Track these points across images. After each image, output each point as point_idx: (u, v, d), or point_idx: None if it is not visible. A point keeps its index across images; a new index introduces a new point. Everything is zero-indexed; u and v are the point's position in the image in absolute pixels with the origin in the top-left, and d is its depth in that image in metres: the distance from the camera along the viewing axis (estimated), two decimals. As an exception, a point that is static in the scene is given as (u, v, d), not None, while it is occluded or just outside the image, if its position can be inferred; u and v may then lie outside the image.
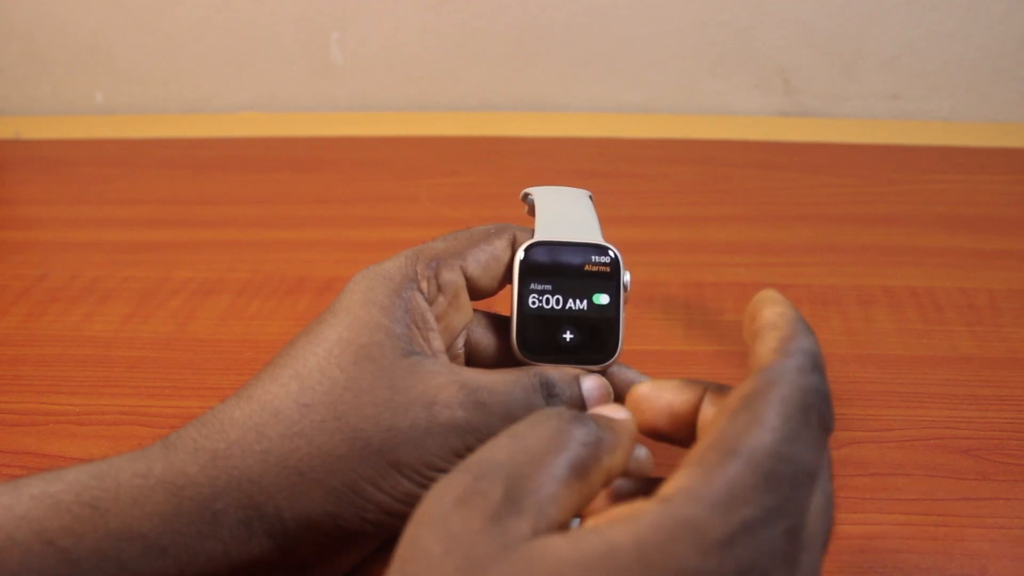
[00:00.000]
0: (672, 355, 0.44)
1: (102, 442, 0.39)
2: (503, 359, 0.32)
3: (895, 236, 0.55)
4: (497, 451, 0.21)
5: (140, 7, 0.77)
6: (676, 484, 0.19)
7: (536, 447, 0.21)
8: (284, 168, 0.68)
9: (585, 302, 0.31)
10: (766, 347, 0.22)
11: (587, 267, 0.32)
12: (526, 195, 0.35)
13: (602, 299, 0.31)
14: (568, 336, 0.31)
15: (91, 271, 0.53)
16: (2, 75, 0.81)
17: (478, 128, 0.74)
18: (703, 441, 0.20)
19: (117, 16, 0.78)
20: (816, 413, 0.20)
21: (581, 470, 0.21)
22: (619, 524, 0.18)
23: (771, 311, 0.23)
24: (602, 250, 0.32)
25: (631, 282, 0.32)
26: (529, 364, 0.31)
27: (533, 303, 0.31)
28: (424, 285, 0.30)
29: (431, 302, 0.30)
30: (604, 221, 0.34)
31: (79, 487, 0.25)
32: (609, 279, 0.32)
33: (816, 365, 0.21)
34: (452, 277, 0.30)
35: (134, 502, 0.25)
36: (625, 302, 0.32)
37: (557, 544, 0.18)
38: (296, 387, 0.27)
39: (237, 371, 0.44)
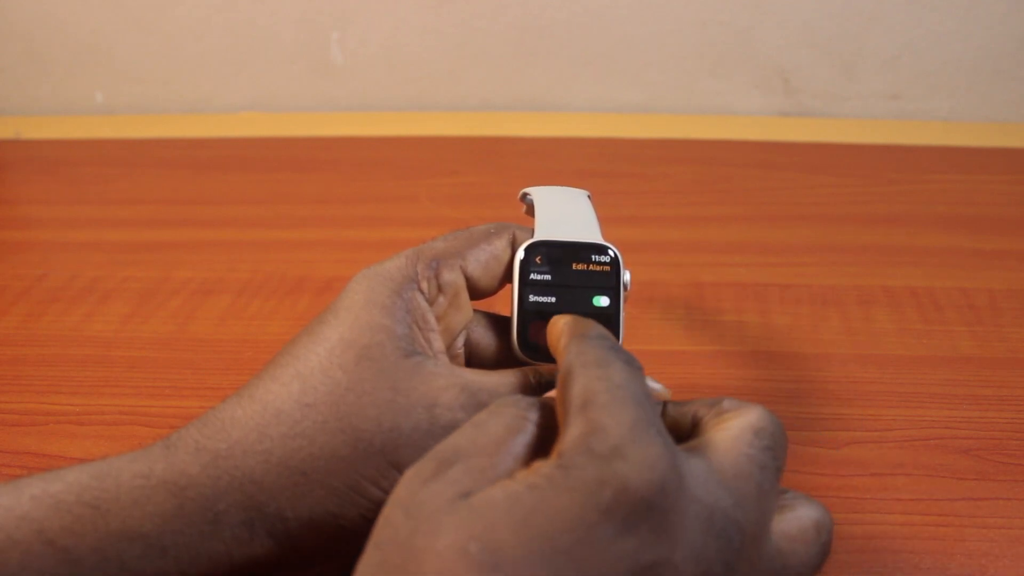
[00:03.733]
0: (672, 355, 0.44)
1: (102, 442, 0.39)
2: (503, 359, 0.32)
3: (895, 236, 0.55)
4: (460, 438, 0.23)
5: (140, 7, 0.77)
6: (560, 443, 0.22)
7: (496, 432, 0.23)
8: (284, 168, 0.68)
9: (585, 301, 0.31)
10: (561, 344, 0.26)
11: (587, 266, 0.32)
12: (524, 195, 0.35)
13: (602, 298, 0.31)
14: (568, 336, 0.31)
15: (91, 271, 0.53)
16: (2, 75, 0.81)
17: (478, 128, 0.74)
18: (562, 412, 0.23)
19: (117, 16, 0.78)
20: (613, 355, 0.24)
21: (537, 448, 0.23)
22: (534, 473, 0.21)
23: (560, 323, 0.27)
24: (602, 249, 0.32)
25: (631, 281, 0.32)
26: (529, 363, 0.31)
27: (533, 302, 0.31)
28: (424, 285, 0.30)
29: (431, 302, 0.30)
30: (604, 221, 0.33)
31: (80, 487, 0.25)
32: (609, 278, 0.32)
33: (586, 325, 0.26)
34: (452, 277, 0.30)
35: (135, 502, 0.25)
36: (625, 301, 0.32)
37: (490, 493, 0.21)
38: (298, 387, 0.27)
39: (237, 371, 0.44)
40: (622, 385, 0.23)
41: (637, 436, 0.21)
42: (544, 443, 0.23)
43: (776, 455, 0.24)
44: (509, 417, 0.24)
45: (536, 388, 0.29)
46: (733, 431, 0.24)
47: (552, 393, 0.26)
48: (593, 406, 0.22)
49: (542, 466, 0.21)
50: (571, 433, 0.22)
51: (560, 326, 0.27)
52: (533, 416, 0.24)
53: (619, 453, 0.21)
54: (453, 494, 0.21)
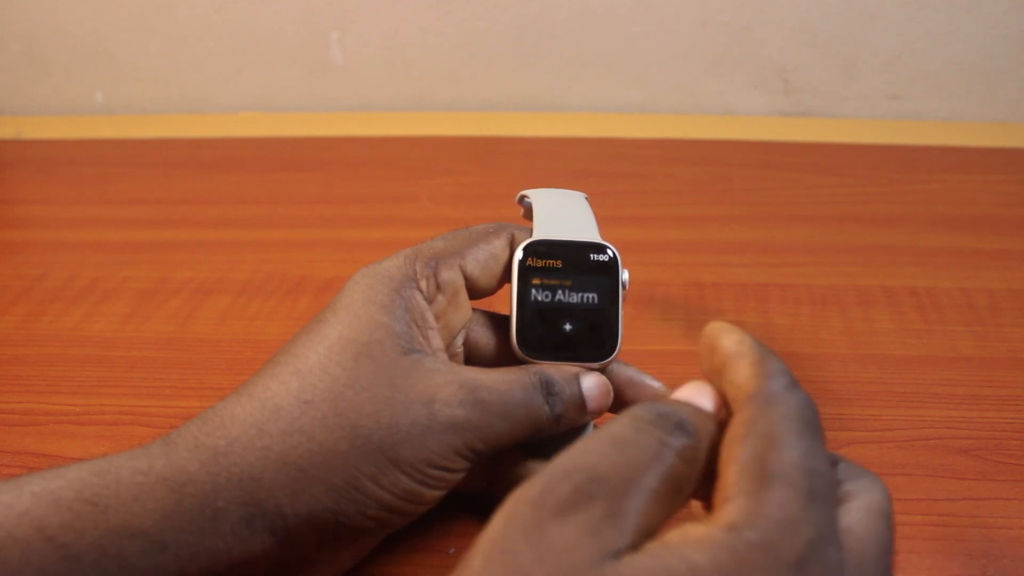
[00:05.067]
0: (672, 355, 0.44)
1: (102, 442, 0.39)
2: (502, 358, 0.32)
3: (895, 236, 0.55)
4: (601, 462, 0.20)
5: (140, 7, 0.77)
6: (731, 514, 0.20)
7: (639, 459, 0.21)
8: (284, 168, 0.68)
9: (584, 300, 0.31)
10: (743, 375, 0.23)
11: (586, 266, 0.32)
12: (522, 198, 0.35)
13: (601, 297, 0.31)
14: (567, 334, 0.31)
15: (91, 271, 0.53)
16: (2, 75, 0.81)
17: (478, 128, 0.74)
18: (731, 471, 0.21)
19: (117, 16, 0.78)
20: (816, 425, 0.21)
21: (678, 486, 0.21)
22: (696, 546, 0.19)
23: (729, 340, 0.24)
24: (600, 248, 0.32)
25: (629, 280, 0.32)
26: (529, 362, 0.31)
27: (532, 301, 0.31)
28: (423, 284, 0.30)
29: (430, 301, 0.30)
30: (604, 221, 0.34)
31: (80, 484, 0.25)
32: (608, 277, 0.32)
33: (796, 381, 0.22)
34: (451, 276, 0.30)
35: (135, 499, 0.25)
36: (623, 300, 0.32)
37: (644, 563, 0.19)
38: (297, 384, 0.27)
39: (237, 371, 0.44)
40: (823, 473, 0.20)
41: (823, 547, 0.19)
42: (686, 479, 0.21)
43: (894, 531, 0.23)
44: (653, 441, 0.21)
45: (536, 387, 0.29)
46: (864, 517, 0.22)
47: (683, 395, 0.24)
48: (788, 489, 0.19)
49: (706, 539, 0.19)
50: (753, 509, 0.19)
51: (738, 346, 0.24)
52: (676, 442, 0.21)
53: (804, 567, 0.19)
54: (596, 550, 0.19)
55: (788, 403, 0.21)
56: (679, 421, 0.22)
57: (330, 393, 0.27)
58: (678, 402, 0.23)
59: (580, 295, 0.31)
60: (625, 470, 0.20)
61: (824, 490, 0.20)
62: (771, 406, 0.21)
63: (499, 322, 0.33)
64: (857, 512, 0.22)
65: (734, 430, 0.22)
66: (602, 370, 0.31)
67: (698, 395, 0.24)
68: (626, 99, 0.78)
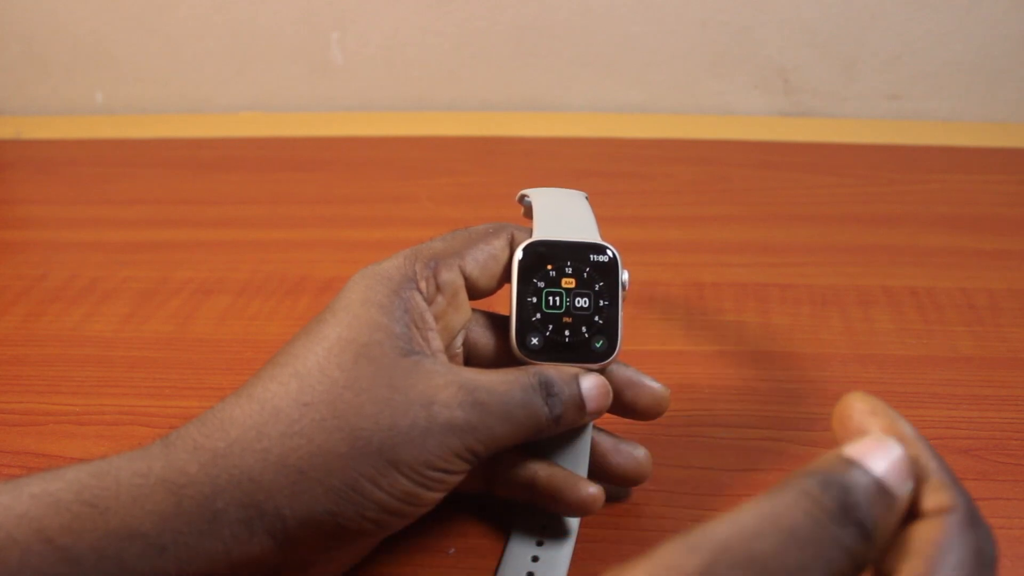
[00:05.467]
0: (672, 355, 0.44)
1: (102, 442, 0.39)
2: (502, 358, 0.32)
3: (895, 236, 0.55)
4: (773, 559, 0.19)
5: (140, 7, 0.77)
6: None
7: (811, 563, 0.19)
8: (284, 168, 0.68)
9: (583, 301, 0.31)
10: (928, 484, 0.22)
11: (585, 266, 0.32)
12: (523, 197, 0.35)
13: (601, 298, 0.31)
14: (567, 335, 0.31)
15: (91, 271, 0.53)
16: (2, 75, 0.81)
17: (478, 128, 0.74)
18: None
19: (117, 16, 0.78)
20: (995, 564, 0.21)
21: None
22: None
23: (893, 432, 0.23)
24: (600, 249, 0.32)
25: (629, 280, 0.32)
26: (528, 363, 0.31)
27: (531, 302, 0.31)
28: (423, 285, 0.30)
29: (430, 302, 0.30)
30: (604, 221, 0.34)
31: (79, 486, 0.25)
32: (607, 278, 0.32)
33: (977, 507, 0.21)
34: (451, 277, 0.30)
35: (134, 501, 0.25)
36: (623, 300, 0.32)
37: None
38: (296, 386, 0.27)
39: (237, 371, 0.44)
40: None
41: None
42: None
43: None
44: (829, 539, 0.19)
45: (535, 388, 0.29)
46: None
47: (872, 454, 0.21)
48: None
49: None
50: None
51: (909, 446, 0.22)
52: (852, 545, 0.19)
53: None
54: None
55: (980, 538, 0.20)
56: (860, 520, 0.19)
57: (329, 395, 0.27)
58: (864, 482, 0.20)
59: (580, 296, 0.31)
60: (792, 565, 0.19)
61: None
62: (963, 537, 0.20)
63: (499, 322, 0.33)
64: None
65: (920, 545, 0.20)
66: (602, 371, 0.31)
67: (888, 458, 0.21)
68: (626, 99, 0.78)
